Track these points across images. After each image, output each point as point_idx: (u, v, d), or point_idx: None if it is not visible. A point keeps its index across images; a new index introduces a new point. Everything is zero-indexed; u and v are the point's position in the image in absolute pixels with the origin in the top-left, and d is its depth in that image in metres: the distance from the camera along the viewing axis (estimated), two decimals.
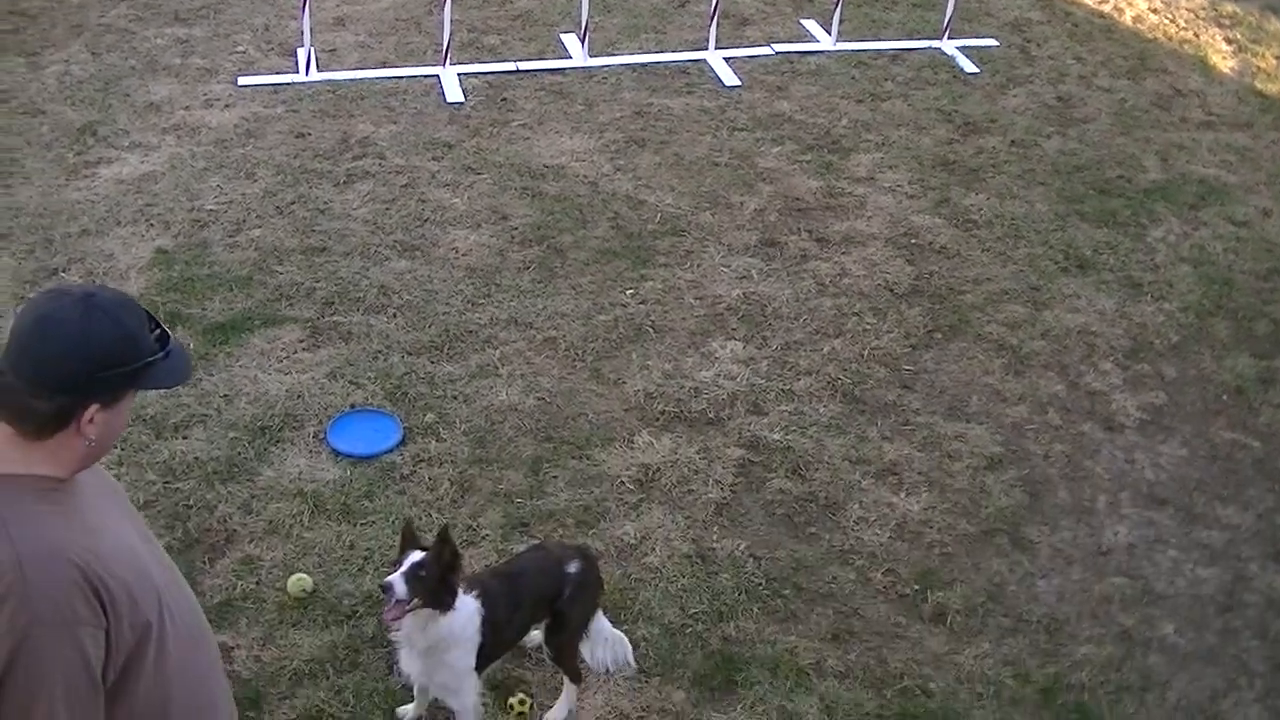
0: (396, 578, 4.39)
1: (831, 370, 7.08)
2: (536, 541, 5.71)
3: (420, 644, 4.61)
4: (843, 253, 8.04)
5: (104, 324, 2.90)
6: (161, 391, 6.61)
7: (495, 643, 4.81)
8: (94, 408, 2.91)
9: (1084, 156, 9.36)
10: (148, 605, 2.98)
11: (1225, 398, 7.25)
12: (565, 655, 5.08)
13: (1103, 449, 6.78)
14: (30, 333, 2.88)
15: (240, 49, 10.15)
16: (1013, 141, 9.46)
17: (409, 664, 4.76)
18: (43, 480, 2.94)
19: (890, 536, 6.08)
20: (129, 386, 2.97)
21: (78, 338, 2.87)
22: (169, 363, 3.00)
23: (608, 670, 5.22)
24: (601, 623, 5.16)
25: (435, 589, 4.48)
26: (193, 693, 3.17)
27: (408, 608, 4.44)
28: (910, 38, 10.82)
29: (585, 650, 5.16)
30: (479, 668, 4.78)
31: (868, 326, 7.44)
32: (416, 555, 4.48)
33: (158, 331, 3.00)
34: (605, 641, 5.18)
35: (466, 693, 4.77)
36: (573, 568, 4.97)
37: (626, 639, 5.28)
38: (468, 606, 4.64)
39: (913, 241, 8.21)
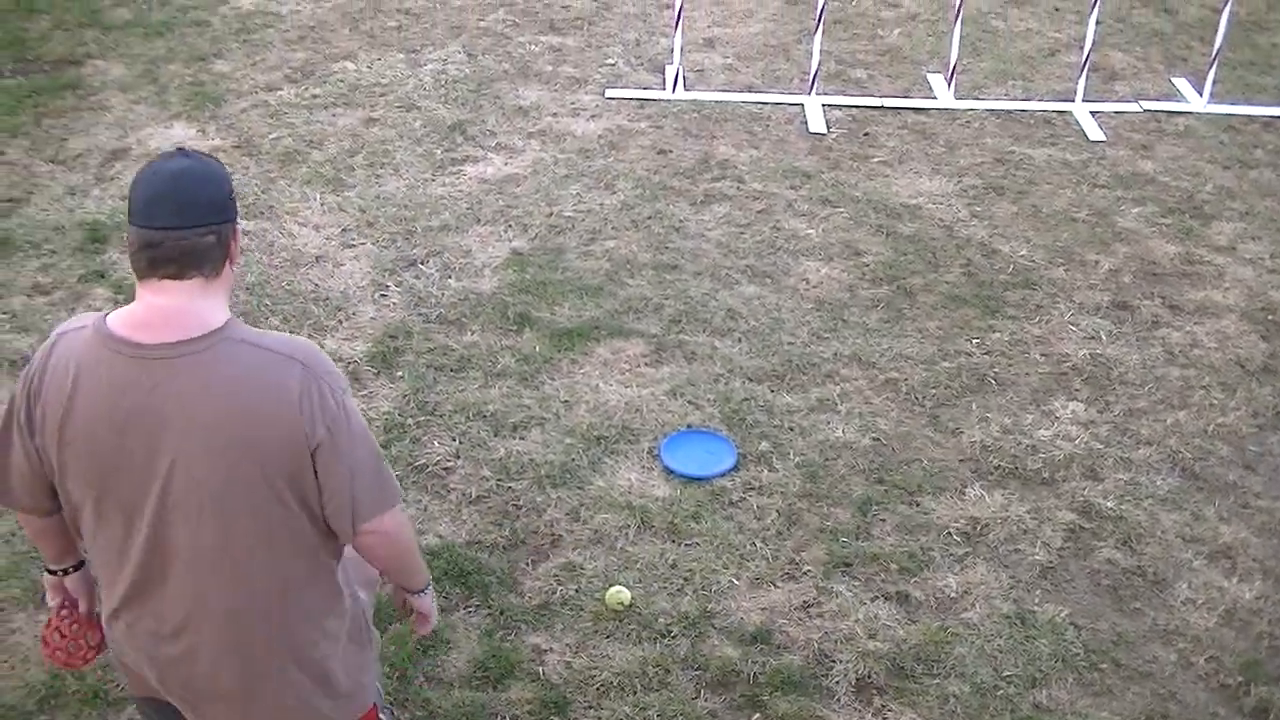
0: None
1: (1173, 442, 6.98)
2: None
3: None
4: (1195, 322, 7.90)
5: (208, 160, 3.42)
6: (503, 391, 6.92)
7: None
8: (238, 226, 3.45)
9: None
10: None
11: None
12: None
13: None
14: (171, 192, 3.31)
15: (610, 62, 10.48)
16: None
17: None
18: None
19: (1218, 621, 5.97)
20: (234, 211, 3.46)
21: (207, 174, 3.36)
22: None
23: None
24: None
25: None
26: None
27: None
28: None
29: None
30: None
31: (1215, 401, 7.30)
32: None
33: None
34: None
35: None
36: None
37: None
38: None
39: (1270, 318, 8.02)
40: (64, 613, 3.99)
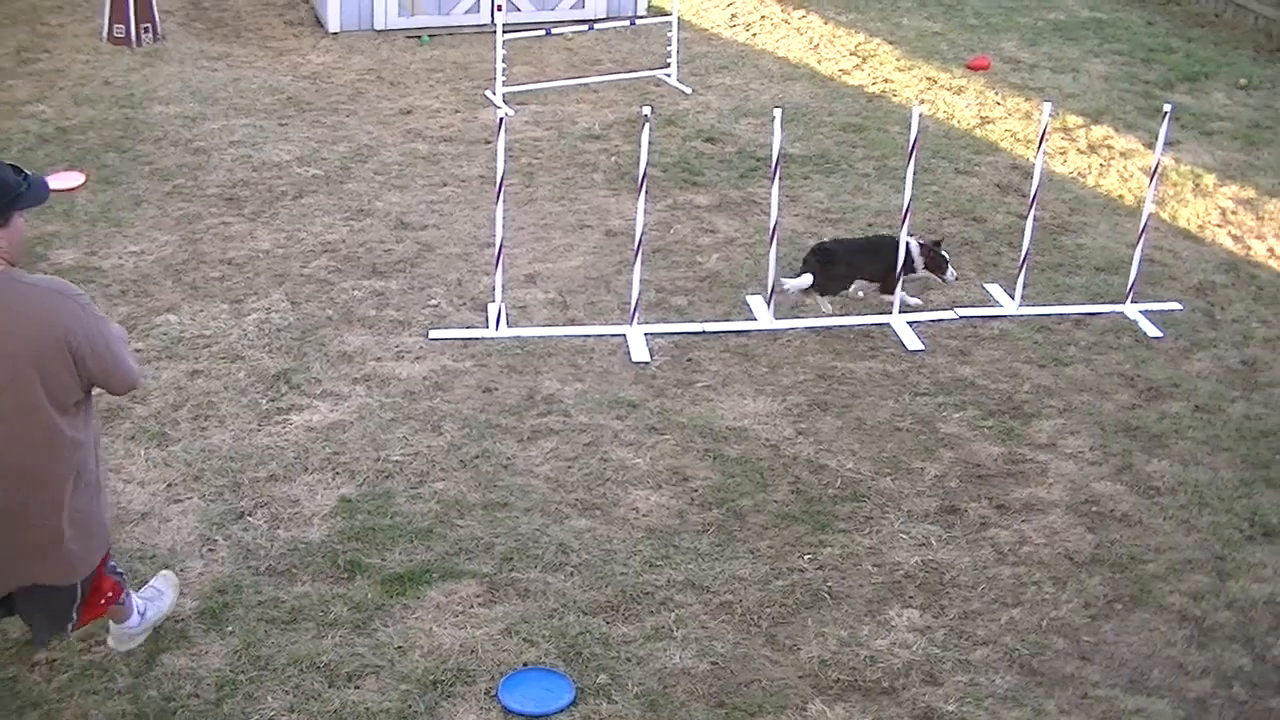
0: None
1: (1009, 640, 7.05)
2: None
3: None
4: (1023, 520, 8.04)
5: None
6: (336, 641, 6.82)
7: None
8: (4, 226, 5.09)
9: (1270, 421, 9.27)
10: None
11: None
12: None
13: None
14: None
15: (433, 303, 10.51)
16: (1196, 406, 9.41)
17: None
18: None
19: None
20: (11, 209, 5.09)
21: None
22: (33, 190, 5.17)
23: None
24: None
25: None
26: None
27: None
28: (1093, 302, 10.86)
29: None
30: None
31: (1046, 596, 7.40)
32: None
33: (22, 174, 5.11)
34: None
35: None
36: None
37: None
38: None
39: (1094, 509, 8.19)
40: None
